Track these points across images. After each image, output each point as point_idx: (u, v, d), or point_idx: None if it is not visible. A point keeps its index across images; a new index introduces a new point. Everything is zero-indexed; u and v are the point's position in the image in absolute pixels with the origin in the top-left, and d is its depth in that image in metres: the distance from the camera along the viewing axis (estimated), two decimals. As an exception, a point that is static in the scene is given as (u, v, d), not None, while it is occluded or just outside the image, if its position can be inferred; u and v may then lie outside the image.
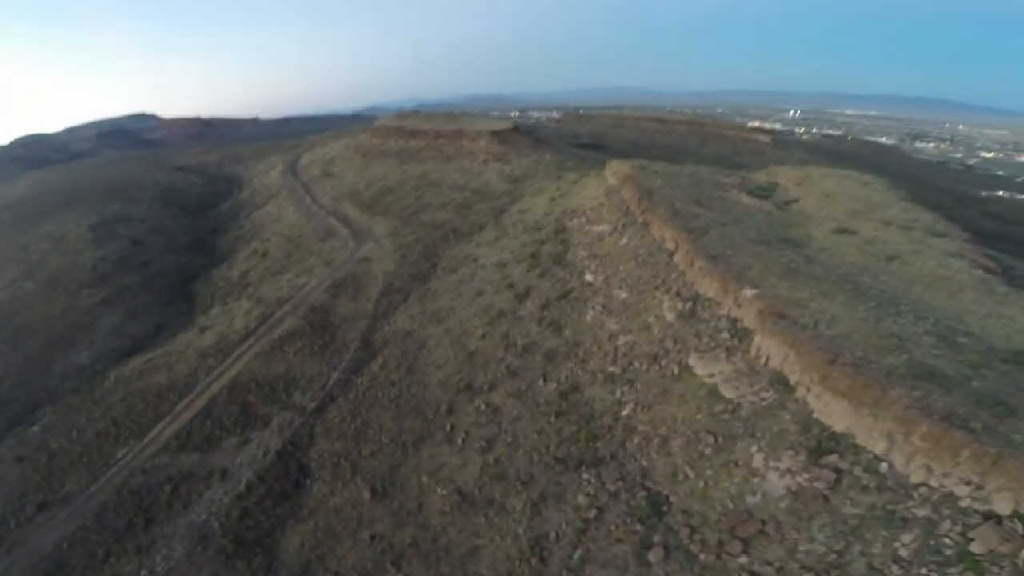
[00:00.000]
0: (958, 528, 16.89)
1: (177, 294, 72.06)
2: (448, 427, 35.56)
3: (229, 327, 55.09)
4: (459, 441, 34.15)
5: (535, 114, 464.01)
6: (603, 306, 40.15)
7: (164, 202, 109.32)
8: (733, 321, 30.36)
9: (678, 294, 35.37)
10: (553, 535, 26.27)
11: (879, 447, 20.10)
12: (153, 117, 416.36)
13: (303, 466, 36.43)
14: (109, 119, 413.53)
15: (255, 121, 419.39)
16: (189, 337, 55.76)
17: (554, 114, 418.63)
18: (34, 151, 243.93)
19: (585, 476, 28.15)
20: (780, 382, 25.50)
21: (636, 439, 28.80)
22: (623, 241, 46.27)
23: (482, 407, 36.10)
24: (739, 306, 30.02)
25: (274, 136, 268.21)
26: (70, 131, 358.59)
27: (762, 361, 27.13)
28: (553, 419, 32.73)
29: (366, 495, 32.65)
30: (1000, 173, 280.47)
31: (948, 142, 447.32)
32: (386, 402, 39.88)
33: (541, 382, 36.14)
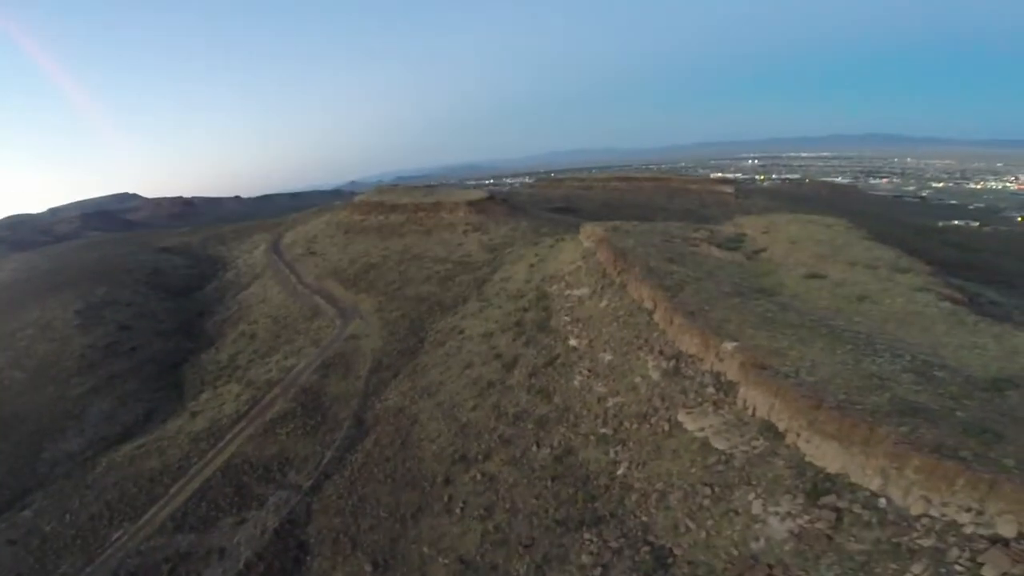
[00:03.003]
0: (967, 554, 17.00)
1: (166, 379, 71.06)
2: (446, 498, 35.31)
3: (220, 411, 54.71)
4: (458, 510, 33.90)
5: (508, 181, 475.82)
6: (589, 370, 40.85)
7: (150, 285, 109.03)
8: (717, 375, 31.09)
9: (661, 353, 36.23)
10: (560, 595, 25.87)
11: (875, 483, 20.44)
12: (136, 197, 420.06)
13: (302, 543, 35.81)
14: (92, 199, 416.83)
15: (236, 199, 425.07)
16: (180, 422, 55.08)
17: (527, 179, 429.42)
18: (19, 233, 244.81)
19: (587, 536, 28.02)
20: (769, 430, 25.98)
21: (634, 496, 28.89)
22: (603, 303, 47.46)
23: (478, 476, 36.02)
24: (721, 360, 30.83)
25: (256, 214, 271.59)
26: (54, 212, 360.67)
27: (749, 411, 27.73)
28: (550, 483, 32.77)
29: (368, 568, 32.07)
30: (953, 202, 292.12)
31: (900, 176, 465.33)
32: (382, 477, 39.67)
33: (535, 448, 36.28)
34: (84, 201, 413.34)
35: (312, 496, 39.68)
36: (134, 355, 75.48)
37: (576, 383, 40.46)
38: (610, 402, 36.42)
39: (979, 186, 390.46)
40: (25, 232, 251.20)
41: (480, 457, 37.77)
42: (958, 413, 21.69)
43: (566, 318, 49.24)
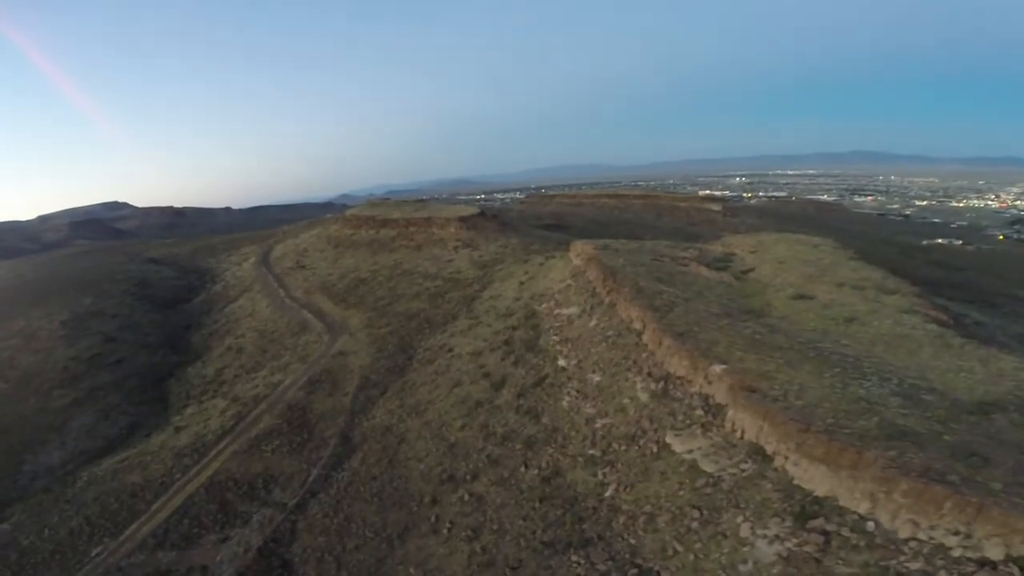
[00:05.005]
0: (955, 578, 17.04)
1: (151, 393, 70.58)
2: (433, 518, 35.02)
3: (205, 427, 54.26)
4: (445, 531, 33.60)
5: (499, 196, 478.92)
6: (578, 391, 40.73)
7: (137, 296, 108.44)
8: (705, 397, 31.07)
9: (650, 374, 36.21)
10: (547, 618, 25.56)
11: (863, 507, 20.44)
12: (126, 206, 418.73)
13: (286, 562, 35.50)
14: (82, 207, 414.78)
15: (227, 211, 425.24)
16: (164, 437, 54.51)
17: (517, 195, 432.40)
18: (7, 240, 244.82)
19: (574, 558, 27.71)
20: (758, 453, 25.96)
21: (622, 518, 28.62)
22: (592, 323, 47.49)
23: (466, 497, 35.77)
24: (710, 382, 30.84)
25: (247, 225, 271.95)
26: (43, 219, 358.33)
27: (738, 434, 27.70)
28: (537, 504, 32.49)
29: (353, 589, 31.64)
30: (936, 220, 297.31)
31: (884, 194, 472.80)
32: (368, 496, 39.40)
33: (523, 469, 36.05)
34: (74, 209, 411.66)
35: (297, 514, 39.37)
36: (119, 368, 74.95)
37: (565, 404, 40.32)
38: (598, 423, 36.26)
39: (962, 204, 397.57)
40: (13, 240, 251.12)
41: (468, 477, 37.54)
42: (946, 437, 21.76)
43: (555, 337, 49.19)
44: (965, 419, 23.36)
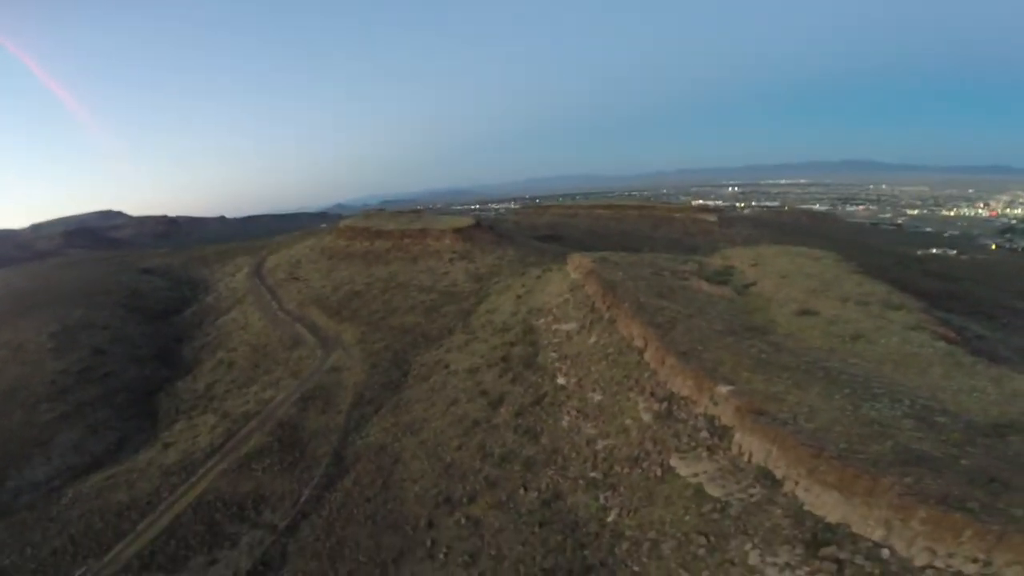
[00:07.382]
0: (973, 605, 16.31)
1: (140, 408, 69.52)
2: (429, 542, 34.02)
3: (194, 444, 53.09)
4: (441, 556, 32.59)
5: (494, 206, 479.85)
6: (578, 410, 39.79)
7: (128, 307, 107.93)
8: (711, 419, 30.22)
9: (652, 394, 35.33)
10: (547, 648, 24.59)
11: (877, 534, 19.77)
12: (120, 215, 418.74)
13: None
14: (76, 216, 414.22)
15: (221, 220, 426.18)
16: (152, 454, 53.36)
17: (512, 204, 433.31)
18: None
19: (576, 585, 26.68)
20: (766, 477, 25.11)
21: (625, 544, 27.70)
22: (592, 340, 46.60)
23: (463, 520, 34.76)
24: (716, 404, 30.00)
25: (240, 235, 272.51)
26: (36, 228, 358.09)
27: (745, 458, 26.84)
28: (537, 529, 31.58)
29: (345, 616, 30.54)
30: (928, 229, 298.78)
31: (875, 203, 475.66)
32: (362, 518, 38.35)
33: (522, 492, 35.12)
34: (68, 218, 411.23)
35: (288, 537, 38.44)
36: (107, 381, 73.98)
37: (564, 423, 39.35)
38: (600, 444, 35.32)
39: (952, 213, 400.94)
40: (5, 248, 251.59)
41: (465, 500, 36.58)
42: (962, 461, 21.03)
43: (553, 354, 48.27)
44: (981, 442, 22.61)
